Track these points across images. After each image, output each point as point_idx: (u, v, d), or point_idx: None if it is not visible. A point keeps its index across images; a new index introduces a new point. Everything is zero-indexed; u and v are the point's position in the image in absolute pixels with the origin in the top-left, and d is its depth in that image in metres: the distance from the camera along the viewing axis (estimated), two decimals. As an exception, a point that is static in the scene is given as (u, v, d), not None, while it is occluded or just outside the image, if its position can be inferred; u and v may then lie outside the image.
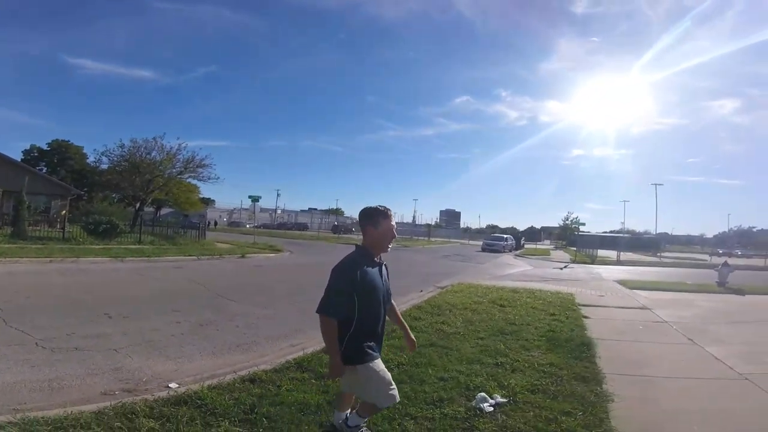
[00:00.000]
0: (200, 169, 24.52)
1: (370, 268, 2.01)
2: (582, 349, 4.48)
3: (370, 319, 2.00)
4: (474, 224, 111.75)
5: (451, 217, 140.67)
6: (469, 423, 2.62)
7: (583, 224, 39.73)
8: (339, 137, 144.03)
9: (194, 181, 28.42)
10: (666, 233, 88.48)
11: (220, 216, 59.81)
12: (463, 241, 50.81)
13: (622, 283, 11.79)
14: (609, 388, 3.36)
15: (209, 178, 25.31)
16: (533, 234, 77.16)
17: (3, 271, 8.66)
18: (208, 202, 71.03)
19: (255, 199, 28.76)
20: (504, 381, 3.38)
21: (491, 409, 2.81)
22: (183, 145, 22.51)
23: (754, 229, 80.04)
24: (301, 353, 3.90)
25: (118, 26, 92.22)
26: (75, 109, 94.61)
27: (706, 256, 41.49)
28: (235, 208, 72.73)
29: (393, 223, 2.06)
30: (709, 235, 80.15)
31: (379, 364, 2.04)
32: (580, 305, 7.53)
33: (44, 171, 41.23)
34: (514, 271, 16.63)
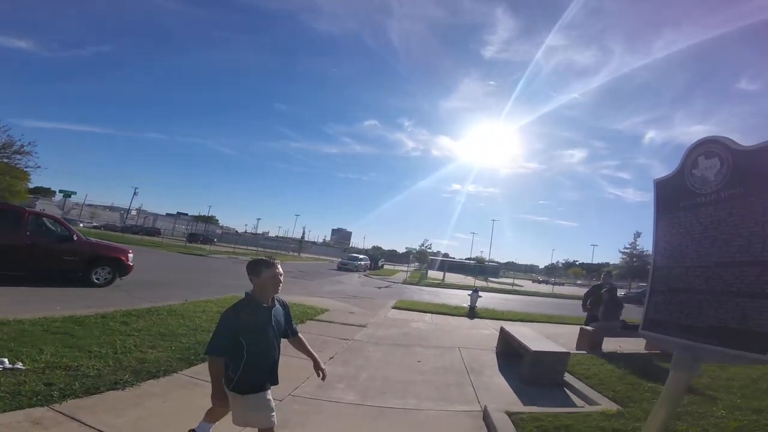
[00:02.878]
0: (18, 156, 21.06)
1: (255, 312, 2.27)
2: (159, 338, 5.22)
3: (258, 357, 2.26)
4: (360, 245, 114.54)
5: (341, 236, 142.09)
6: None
7: (431, 249, 43.92)
8: (235, 140, 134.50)
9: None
10: (512, 262, 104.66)
11: (43, 209, 48.89)
12: (335, 258, 51.35)
13: (398, 303, 12.99)
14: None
15: (27, 167, 21.74)
16: (406, 256, 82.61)
17: None
18: (46, 192, 58.04)
19: (67, 195, 24.55)
20: (56, 360, 3.99)
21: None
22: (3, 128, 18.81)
23: (576, 263, 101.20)
24: None
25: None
26: None
27: (528, 282, 50.71)
28: (76, 203, 60.65)
29: (277, 270, 2.32)
30: (542, 265, 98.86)
31: (263, 396, 2.30)
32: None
33: None
34: (335, 288, 17.24)
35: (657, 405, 2.17)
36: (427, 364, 5.85)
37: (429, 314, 11.16)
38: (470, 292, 13.43)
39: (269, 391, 2.39)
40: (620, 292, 10.74)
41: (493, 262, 70.46)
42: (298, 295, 12.22)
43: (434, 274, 35.20)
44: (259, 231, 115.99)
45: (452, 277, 34.30)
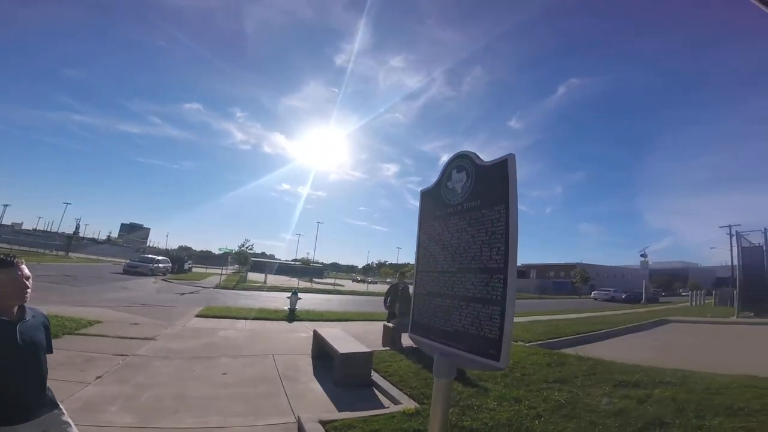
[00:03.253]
0: None
1: None
2: None
3: None
4: (162, 244, 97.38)
5: (136, 233, 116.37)
6: None
7: (252, 250, 41.56)
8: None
9: None
10: (336, 263, 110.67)
11: None
12: (124, 260, 41.47)
13: (205, 310, 11.50)
14: None
15: None
16: (223, 258, 75.30)
17: None
18: None
19: None
20: None
21: None
22: None
23: (387, 263, 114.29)
24: None
25: None
26: None
27: (349, 282, 55.81)
28: None
29: (19, 272, 1.84)
30: (360, 265, 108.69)
31: None
32: None
33: None
34: (116, 295, 13.89)
35: (432, 406, 2.16)
36: (234, 376, 5.39)
37: (243, 320, 10.38)
38: (290, 294, 13.24)
39: (20, 427, 1.86)
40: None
41: (318, 263, 72.35)
42: (57, 304, 9.54)
43: (256, 276, 33.17)
44: (7, 222, 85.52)
45: (277, 279, 33.14)
